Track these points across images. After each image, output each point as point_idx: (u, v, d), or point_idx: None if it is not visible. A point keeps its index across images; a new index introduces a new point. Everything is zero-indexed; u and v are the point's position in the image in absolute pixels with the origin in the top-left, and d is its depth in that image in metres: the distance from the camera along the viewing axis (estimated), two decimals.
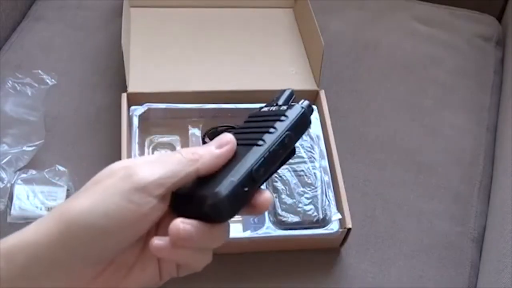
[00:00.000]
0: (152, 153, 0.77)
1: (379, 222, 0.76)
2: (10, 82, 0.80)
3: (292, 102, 0.44)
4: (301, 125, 0.41)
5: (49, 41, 0.92)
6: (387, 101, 0.90)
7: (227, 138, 0.39)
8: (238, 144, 0.40)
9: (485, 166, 0.84)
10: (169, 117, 0.79)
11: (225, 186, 0.36)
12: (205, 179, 0.39)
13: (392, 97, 0.90)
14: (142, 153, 0.75)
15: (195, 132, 0.77)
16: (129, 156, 0.72)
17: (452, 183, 0.81)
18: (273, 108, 0.43)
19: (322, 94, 0.81)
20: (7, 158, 0.73)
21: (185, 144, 0.77)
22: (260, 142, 0.39)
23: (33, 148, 0.75)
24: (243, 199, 0.38)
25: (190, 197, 0.38)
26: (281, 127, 0.40)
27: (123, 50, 0.76)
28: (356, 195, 0.77)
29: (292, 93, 0.45)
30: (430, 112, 0.89)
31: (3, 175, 0.72)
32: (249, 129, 0.42)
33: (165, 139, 0.78)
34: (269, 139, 0.39)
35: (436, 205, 0.78)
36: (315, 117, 0.78)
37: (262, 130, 0.40)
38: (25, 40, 0.91)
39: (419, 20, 1.01)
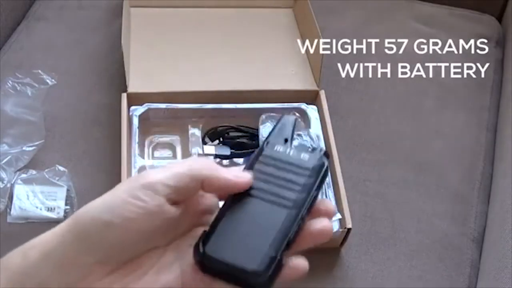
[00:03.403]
0: (152, 153, 0.77)
1: (379, 222, 0.76)
2: (10, 82, 0.80)
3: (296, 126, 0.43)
4: (324, 176, 0.41)
5: (49, 41, 0.92)
6: (387, 101, 0.90)
7: (245, 176, 0.38)
8: (258, 196, 0.39)
9: (485, 166, 0.84)
10: (169, 117, 0.79)
11: (266, 264, 0.36)
12: (232, 234, 0.38)
13: (392, 97, 0.90)
14: (142, 153, 0.75)
15: (195, 132, 0.77)
16: (129, 156, 0.72)
17: (452, 183, 0.81)
18: (292, 152, 0.41)
19: (322, 94, 0.81)
20: (7, 158, 0.73)
21: (185, 144, 0.77)
22: (290, 204, 0.38)
23: (33, 148, 0.75)
24: (281, 270, 0.37)
25: (222, 258, 0.37)
26: (309, 185, 0.39)
27: (123, 50, 0.76)
28: (356, 195, 0.77)
29: (295, 124, 0.44)
30: (430, 112, 0.89)
31: (3, 175, 0.72)
32: (270, 177, 0.40)
33: (165, 139, 0.78)
34: (300, 201, 0.38)
35: (436, 205, 0.78)
36: (315, 117, 0.78)
37: (288, 186, 0.39)
38: (25, 40, 0.91)
39: (419, 20, 1.01)
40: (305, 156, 0.41)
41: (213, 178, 0.38)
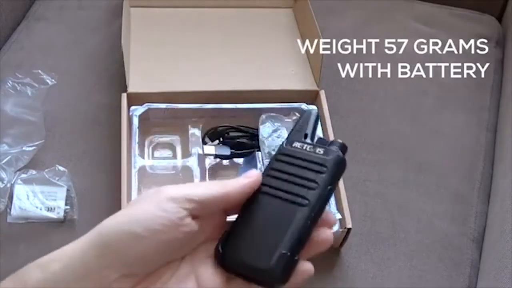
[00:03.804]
0: (152, 153, 0.77)
1: (379, 222, 0.76)
2: (10, 82, 0.80)
3: (321, 136, 0.44)
4: (340, 172, 0.42)
5: (49, 41, 0.92)
6: (387, 101, 0.90)
7: (254, 173, 0.41)
8: (273, 194, 0.40)
9: (485, 166, 0.84)
10: (169, 117, 0.79)
11: (278, 261, 0.37)
12: (249, 234, 0.39)
13: (392, 97, 0.90)
14: (142, 153, 0.75)
15: (195, 132, 0.77)
16: (129, 156, 0.72)
17: (452, 183, 0.81)
18: (308, 148, 0.42)
19: (322, 94, 0.81)
20: (7, 158, 0.73)
21: (185, 144, 0.77)
22: (305, 202, 0.39)
23: (33, 148, 0.74)
24: (294, 266, 0.38)
25: (239, 258, 0.38)
26: (322, 181, 0.40)
27: (123, 50, 0.76)
28: (356, 195, 0.77)
29: (318, 117, 0.45)
30: (430, 112, 0.89)
31: (3, 175, 0.72)
32: (284, 175, 0.41)
33: (165, 139, 0.78)
34: (313, 198, 0.39)
35: (436, 205, 0.78)
36: None
37: (302, 183, 0.40)
38: (25, 40, 0.91)
39: (419, 20, 1.01)
40: (320, 151, 0.41)
41: (233, 190, 0.39)
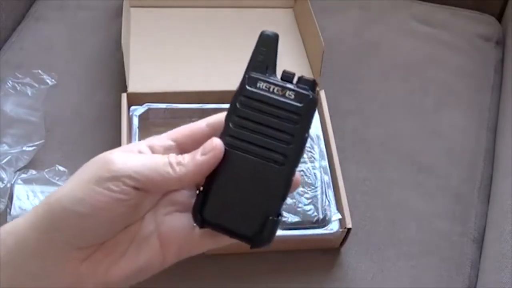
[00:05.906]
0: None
1: (379, 222, 0.76)
2: (10, 82, 0.80)
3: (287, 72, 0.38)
4: (313, 114, 0.38)
5: (49, 41, 0.92)
6: (387, 101, 0.90)
7: (212, 145, 0.37)
8: (246, 149, 0.37)
9: (485, 166, 0.84)
10: (169, 117, 0.79)
11: (265, 227, 0.36)
12: (227, 196, 0.37)
13: (392, 97, 0.90)
14: None
15: None
16: None
17: (452, 183, 0.81)
18: (275, 90, 0.37)
19: (322, 94, 0.81)
20: (7, 158, 0.73)
21: None
22: (282, 159, 0.36)
23: (33, 148, 0.75)
24: (279, 222, 0.37)
25: (222, 224, 0.37)
26: (298, 132, 0.37)
27: (123, 50, 0.76)
28: (356, 195, 0.77)
29: (278, 41, 0.39)
30: (430, 112, 0.89)
31: (3, 175, 0.72)
32: (254, 125, 0.37)
33: None
34: (291, 153, 0.36)
35: (436, 205, 0.78)
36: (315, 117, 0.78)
37: (276, 136, 0.37)
38: (25, 40, 0.91)
39: (419, 20, 1.01)
40: (290, 94, 0.37)
41: (188, 172, 0.37)
